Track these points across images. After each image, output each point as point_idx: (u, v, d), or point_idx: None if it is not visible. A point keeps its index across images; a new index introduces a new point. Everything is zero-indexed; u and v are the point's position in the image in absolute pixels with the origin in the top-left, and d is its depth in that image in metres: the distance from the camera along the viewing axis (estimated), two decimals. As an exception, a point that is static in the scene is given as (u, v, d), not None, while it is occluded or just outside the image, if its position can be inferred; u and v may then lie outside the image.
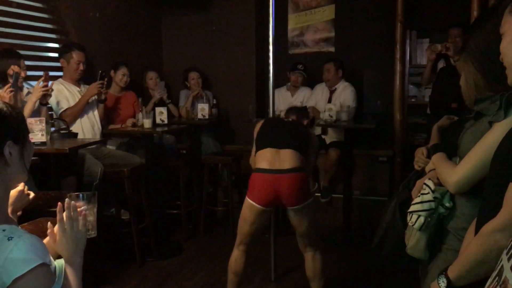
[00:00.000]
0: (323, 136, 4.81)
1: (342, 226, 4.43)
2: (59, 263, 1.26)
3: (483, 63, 1.51)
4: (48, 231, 1.36)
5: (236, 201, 4.62)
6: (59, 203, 1.30)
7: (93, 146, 3.76)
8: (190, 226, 4.56)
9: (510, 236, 1.04)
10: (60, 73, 3.99)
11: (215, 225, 4.72)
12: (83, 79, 4.04)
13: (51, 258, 1.24)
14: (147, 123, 4.06)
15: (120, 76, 4.35)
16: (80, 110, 3.86)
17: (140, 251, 3.76)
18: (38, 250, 1.14)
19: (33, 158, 2.70)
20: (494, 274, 0.90)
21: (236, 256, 2.90)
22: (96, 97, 3.96)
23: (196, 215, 4.64)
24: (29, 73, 3.53)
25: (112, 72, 4.38)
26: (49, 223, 1.37)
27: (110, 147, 4.29)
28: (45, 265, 1.15)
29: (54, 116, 3.81)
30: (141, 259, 3.77)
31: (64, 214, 1.31)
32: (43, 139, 3.00)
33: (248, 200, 2.80)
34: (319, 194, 4.70)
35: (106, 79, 3.88)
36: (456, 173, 1.46)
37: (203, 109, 4.68)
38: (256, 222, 2.81)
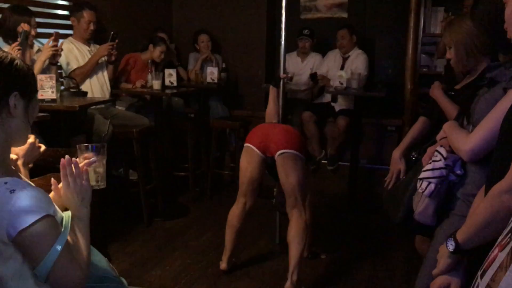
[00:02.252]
0: (332, 104, 4.79)
1: (347, 194, 4.46)
2: (66, 214, 1.27)
3: (491, 23, 1.49)
4: (52, 186, 1.37)
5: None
6: (62, 159, 1.30)
7: (102, 106, 3.77)
8: (197, 189, 4.61)
9: None
10: (70, 31, 3.96)
11: (221, 188, 4.77)
12: (93, 39, 4.01)
13: (57, 209, 1.25)
14: (157, 85, 4.05)
15: (158, 53, 4.39)
16: (89, 70, 3.84)
17: (148, 211, 3.82)
18: (42, 202, 1.15)
19: (43, 114, 2.73)
20: (506, 230, 0.91)
21: (234, 208, 3.05)
22: (106, 58, 3.94)
23: (203, 178, 4.69)
24: (39, 30, 3.51)
25: (151, 46, 4.40)
26: (52, 178, 1.38)
27: (120, 107, 4.30)
28: (50, 217, 1.16)
29: (64, 75, 3.81)
30: (148, 219, 3.83)
31: (67, 170, 1.31)
32: (53, 96, 3.01)
33: (244, 146, 2.96)
34: (326, 162, 4.72)
35: (117, 40, 3.85)
36: (470, 141, 1.45)
37: (212, 73, 4.65)
38: (249, 168, 2.89)
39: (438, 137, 1.74)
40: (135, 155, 3.74)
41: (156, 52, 4.38)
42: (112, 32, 3.84)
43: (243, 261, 3.28)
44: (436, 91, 2.23)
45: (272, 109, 3.23)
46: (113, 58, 3.94)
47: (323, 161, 4.73)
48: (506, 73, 1.45)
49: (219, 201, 4.48)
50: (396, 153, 2.20)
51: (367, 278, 3.11)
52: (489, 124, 1.41)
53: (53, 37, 3.30)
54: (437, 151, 1.61)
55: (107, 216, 3.60)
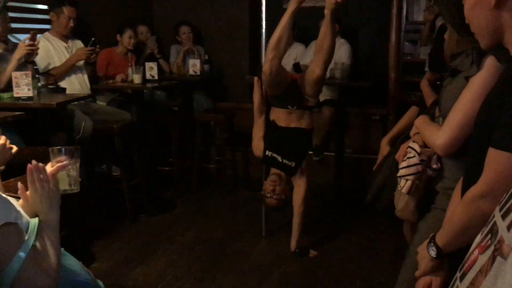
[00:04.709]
0: (316, 94, 4.75)
1: (334, 184, 4.45)
2: (33, 221, 1.24)
3: (453, 14, 1.47)
4: (19, 191, 1.33)
5: (228, 158, 4.61)
6: (28, 164, 1.26)
7: (82, 101, 3.70)
8: (182, 183, 4.56)
9: (492, 201, 1.01)
10: (48, 26, 3.87)
11: (207, 182, 4.73)
12: (71, 34, 3.92)
13: (22, 215, 1.21)
14: (137, 79, 3.99)
15: (127, 39, 4.34)
16: (66, 71, 3.76)
17: (132, 208, 3.77)
18: (0, 210, 1.13)
19: (19, 113, 2.66)
20: (485, 230, 0.86)
21: None
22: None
23: (189, 172, 4.64)
24: (15, 25, 3.42)
25: (118, 36, 4.35)
26: (19, 183, 1.34)
27: (101, 103, 4.23)
28: (11, 224, 1.13)
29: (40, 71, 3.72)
30: (133, 215, 3.78)
31: (34, 176, 1.27)
32: (30, 94, 2.93)
33: None
34: (311, 152, 4.69)
35: (98, 46, 3.76)
36: (442, 135, 1.43)
37: (194, 65, 4.60)
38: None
39: (411, 133, 1.72)
40: (118, 150, 3.68)
41: (125, 40, 4.34)
42: (93, 38, 3.74)
43: (229, 255, 3.26)
44: (422, 82, 2.24)
45: (259, 100, 3.21)
46: (92, 60, 3.86)
47: (308, 152, 4.70)
48: (466, 61, 1.44)
49: (205, 195, 4.44)
50: (383, 141, 2.24)
51: (354, 269, 3.10)
52: (457, 116, 1.39)
53: (30, 36, 3.20)
54: (410, 147, 1.60)
55: (90, 214, 3.55)
